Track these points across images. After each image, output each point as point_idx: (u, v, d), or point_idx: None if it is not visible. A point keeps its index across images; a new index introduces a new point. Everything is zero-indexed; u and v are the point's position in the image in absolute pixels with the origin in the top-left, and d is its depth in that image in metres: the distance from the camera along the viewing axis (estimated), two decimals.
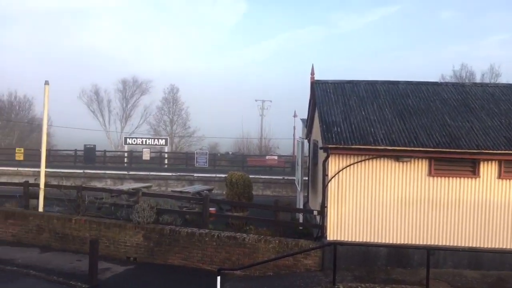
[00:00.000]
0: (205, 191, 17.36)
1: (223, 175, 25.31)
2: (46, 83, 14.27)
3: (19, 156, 36.51)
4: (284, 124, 48.96)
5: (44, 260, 11.72)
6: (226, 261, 11.13)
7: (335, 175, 10.95)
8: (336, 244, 9.09)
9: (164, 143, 40.46)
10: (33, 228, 13.39)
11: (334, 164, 11.02)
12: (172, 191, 19.59)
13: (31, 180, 17.09)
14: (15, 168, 30.41)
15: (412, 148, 10.71)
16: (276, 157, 38.34)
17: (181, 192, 17.19)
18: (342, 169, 10.96)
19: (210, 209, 13.28)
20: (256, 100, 53.53)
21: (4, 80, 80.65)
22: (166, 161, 38.72)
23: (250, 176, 16.01)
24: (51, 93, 14.56)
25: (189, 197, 15.56)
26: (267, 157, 38.51)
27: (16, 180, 26.26)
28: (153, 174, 29.41)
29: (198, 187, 20.56)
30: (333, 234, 10.88)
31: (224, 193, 18.92)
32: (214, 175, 28.48)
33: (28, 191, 15.21)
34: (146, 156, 37.15)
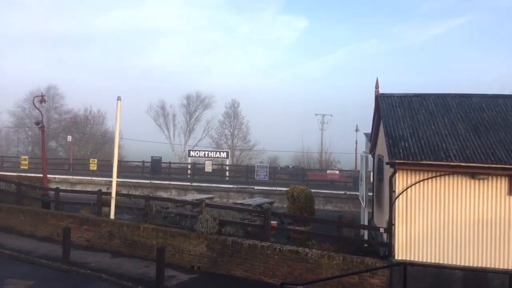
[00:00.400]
0: (266, 204, 17.38)
1: (283, 189, 25.24)
2: (119, 98, 15.16)
3: (93, 166, 39.11)
4: (345, 139, 48.00)
5: (115, 265, 12.33)
6: (288, 275, 10.99)
7: (403, 191, 10.47)
8: (406, 264, 8.62)
9: (225, 156, 41.30)
10: (105, 234, 14.16)
11: (401, 180, 10.55)
12: (233, 203, 19.85)
13: (104, 189, 18.18)
14: (89, 178, 32.57)
15: (490, 165, 9.98)
16: (337, 172, 37.58)
17: (242, 204, 17.37)
18: (411, 185, 10.45)
19: (272, 222, 13.24)
20: (316, 114, 53.16)
21: (81, 96, 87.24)
22: (227, 174, 39.43)
23: (311, 190, 15.80)
24: (122, 108, 15.42)
25: (250, 209, 15.67)
26: (328, 171, 37.88)
27: (90, 188, 28.14)
28: (214, 186, 30.04)
29: (259, 199, 20.66)
30: (401, 253, 10.37)
31: (285, 206, 18.83)
32: (274, 188, 28.47)
33: (101, 199, 16.17)
34: (208, 168, 38.12)
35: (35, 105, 24.57)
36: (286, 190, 16.16)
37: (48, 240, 14.90)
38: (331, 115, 52.89)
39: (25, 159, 41.64)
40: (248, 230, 14.05)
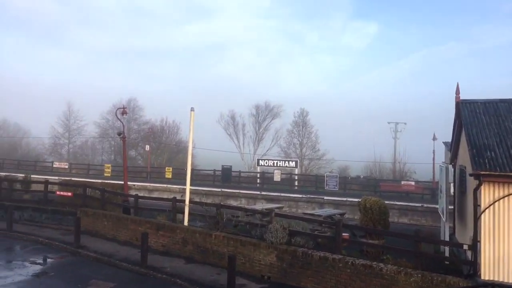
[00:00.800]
0: (337, 215, 16.95)
1: (354, 199, 24.48)
2: (192, 109, 15.73)
3: (168, 174, 41.04)
4: (421, 148, 45.46)
5: (188, 270, 12.72)
6: None
7: (489, 205, 9.61)
8: (494, 285, 7.87)
9: (294, 165, 41.13)
10: (179, 240, 14.70)
11: (487, 193, 9.70)
12: (303, 213, 19.62)
13: (178, 196, 18.96)
14: (165, 185, 34.20)
15: None
16: (413, 183, 35.71)
17: (312, 214, 17.10)
18: (499, 199, 9.56)
19: (343, 234, 12.85)
20: (388, 123, 51.14)
21: (158, 107, 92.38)
22: (296, 183, 39.21)
23: (385, 202, 15.11)
24: (195, 118, 15.95)
25: (320, 220, 15.37)
26: (403, 182, 36.11)
27: (165, 195, 29.50)
28: (283, 195, 29.97)
29: (329, 210, 20.21)
30: (488, 273, 9.49)
31: (356, 218, 18.23)
32: (344, 199, 27.73)
33: (176, 206, 16.85)
34: (277, 177, 38.20)
35: (117, 117, 26.40)
36: (358, 201, 15.63)
37: (128, 244, 15.80)
38: (405, 123, 50.63)
39: (108, 167, 44.89)
40: (318, 242, 13.77)
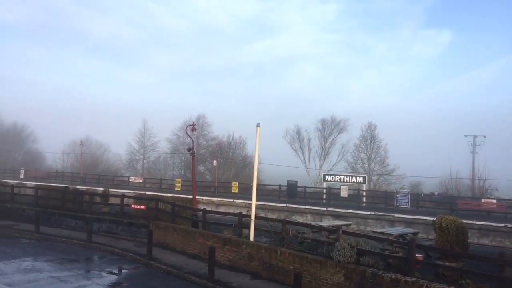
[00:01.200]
0: (409, 235, 16.06)
1: (428, 218, 23.10)
2: (258, 125, 15.88)
3: (235, 189, 41.76)
4: (503, 162, 41.90)
5: (254, 287, 12.70)
6: None
7: None
8: None
9: (362, 181, 39.88)
10: (245, 256, 14.78)
11: None
12: (372, 231, 18.84)
13: (244, 211, 19.13)
14: (231, 200, 34.78)
15: None
16: (494, 201, 32.89)
17: (382, 233, 16.35)
18: None
19: (417, 255, 12.09)
20: (465, 136, 47.84)
21: (225, 123, 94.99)
22: (364, 199, 37.92)
23: (463, 221, 14.01)
24: (260, 133, 16.07)
25: (391, 239, 14.62)
26: (483, 200, 33.42)
27: (231, 210, 29.96)
28: (351, 212, 29.07)
29: (400, 229, 19.22)
30: None
31: (430, 238, 17.12)
32: (417, 217, 26.21)
33: (241, 221, 17.01)
34: (344, 193, 37.25)
35: (187, 133, 27.51)
36: (432, 220, 14.66)
37: (196, 257, 16.19)
38: (484, 136, 47.04)
39: (178, 182, 46.77)
40: (389, 262, 13.07)
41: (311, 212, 29.89)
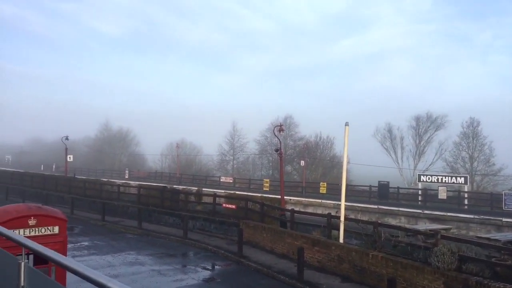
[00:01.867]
0: None
1: None
2: (346, 124, 15.44)
3: (323, 189, 41.22)
4: None
5: None
6: None
7: None
8: None
9: (463, 182, 36.74)
10: (334, 257, 14.47)
11: None
12: (476, 236, 17.25)
13: (332, 212, 18.77)
14: (319, 200, 34.36)
15: None
16: None
17: (488, 239, 14.87)
18: None
19: None
20: None
21: (312, 123, 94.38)
22: (465, 202, 34.90)
23: None
24: (349, 132, 15.65)
25: (499, 246, 13.22)
26: None
27: (319, 211, 29.58)
28: (450, 215, 26.91)
29: (510, 235, 17.30)
30: None
31: None
32: None
33: (331, 222, 16.69)
34: (442, 195, 34.65)
35: (275, 134, 27.87)
36: None
37: (284, 257, 16.28)
38: None
39: (266, 182, 47.53)
40: (496, 271, 11.83)
41: (405, 215, 28.30)
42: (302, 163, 50.68)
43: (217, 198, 24.71)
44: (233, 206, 22.85)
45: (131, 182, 42.19)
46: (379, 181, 38.28)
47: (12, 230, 4.09)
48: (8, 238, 3.12)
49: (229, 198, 24.99)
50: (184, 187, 40.84)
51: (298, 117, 68.43)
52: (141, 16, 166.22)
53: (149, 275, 13.48)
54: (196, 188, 30.85)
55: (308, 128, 75.05)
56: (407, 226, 20.28)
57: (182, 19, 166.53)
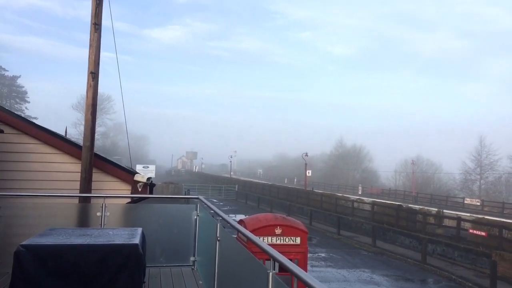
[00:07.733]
0: None
1: None
2: None
3: None
4: None
5: None
6: None
7: None
8: None
9: None
10: None
11: None
12: None
13: None
14: None
15: None
16: None
17: None
18: None
19: None
20: None
21: None
22: None
23: None
24: None
25: None
26: None
27: None
28: None
29: None
30: None
31: None
32: None
33: None
34: None
35: None
36: None
37: None
38: None
39: None
40: None
41: None
42: None
43: (461, 222, 21.89)
44: (483, 233, 19.74)
45: (365, 198, 42.11)
46: None
47: (261, 238, 4.46)
48: (258, 247, 3.36)
49: (478, 223, 21.74)
50: (421, 207, 37.96)
51: None
52: (372, 33, 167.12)
53: None
54: (435, 209, 28.16)
55: None
56: None
57: (415, 32, 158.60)
